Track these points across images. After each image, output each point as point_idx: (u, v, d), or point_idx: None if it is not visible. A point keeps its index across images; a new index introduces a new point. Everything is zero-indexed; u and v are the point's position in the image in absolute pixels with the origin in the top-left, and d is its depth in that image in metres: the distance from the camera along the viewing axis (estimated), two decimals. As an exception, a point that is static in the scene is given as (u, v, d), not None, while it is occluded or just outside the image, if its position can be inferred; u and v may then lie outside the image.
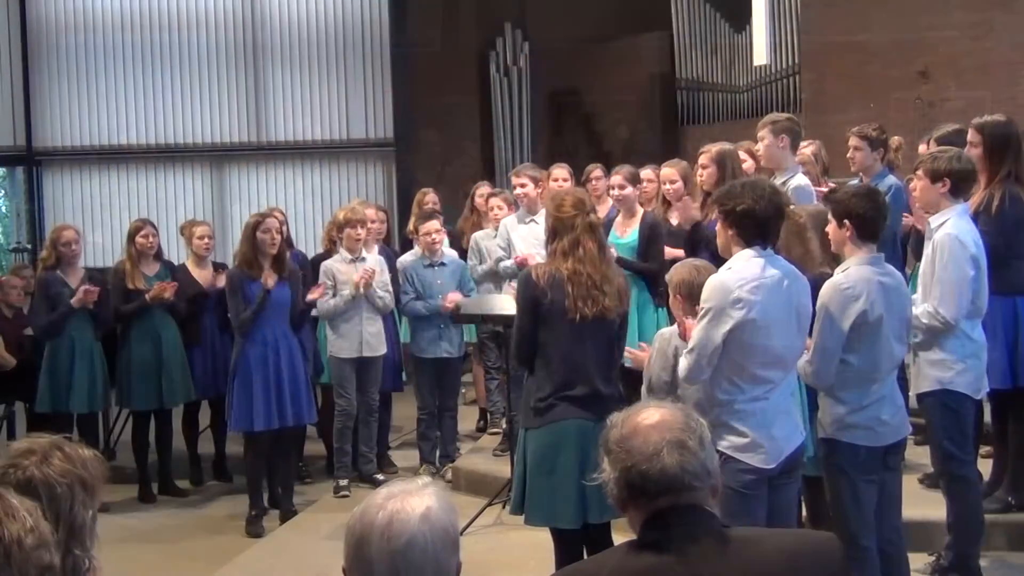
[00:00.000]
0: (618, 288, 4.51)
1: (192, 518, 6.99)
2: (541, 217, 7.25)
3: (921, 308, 4.66)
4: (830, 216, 4.39)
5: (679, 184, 6.43)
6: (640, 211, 6.55)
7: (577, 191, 4.87)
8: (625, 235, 6.43)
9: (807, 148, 7.04)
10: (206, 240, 7.59)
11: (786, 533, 2.71)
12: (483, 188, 8.29)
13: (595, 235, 4.53)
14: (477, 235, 7.72)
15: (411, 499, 1.91)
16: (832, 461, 4.24)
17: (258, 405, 6.43)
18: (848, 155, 6.48)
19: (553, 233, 4.54)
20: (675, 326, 4.46)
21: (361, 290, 6.92)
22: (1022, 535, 5.38)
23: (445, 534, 1.91)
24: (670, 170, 6.52)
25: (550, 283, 4.42)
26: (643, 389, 4.56)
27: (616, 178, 6.62)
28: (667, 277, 4.56)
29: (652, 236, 6.32)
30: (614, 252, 6.22)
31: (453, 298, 7.11)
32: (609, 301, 4.44)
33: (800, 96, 12.14)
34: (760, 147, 6.04)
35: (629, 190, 6.55)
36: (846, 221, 4.24)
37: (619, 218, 6.60)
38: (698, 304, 4.00)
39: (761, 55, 9.77)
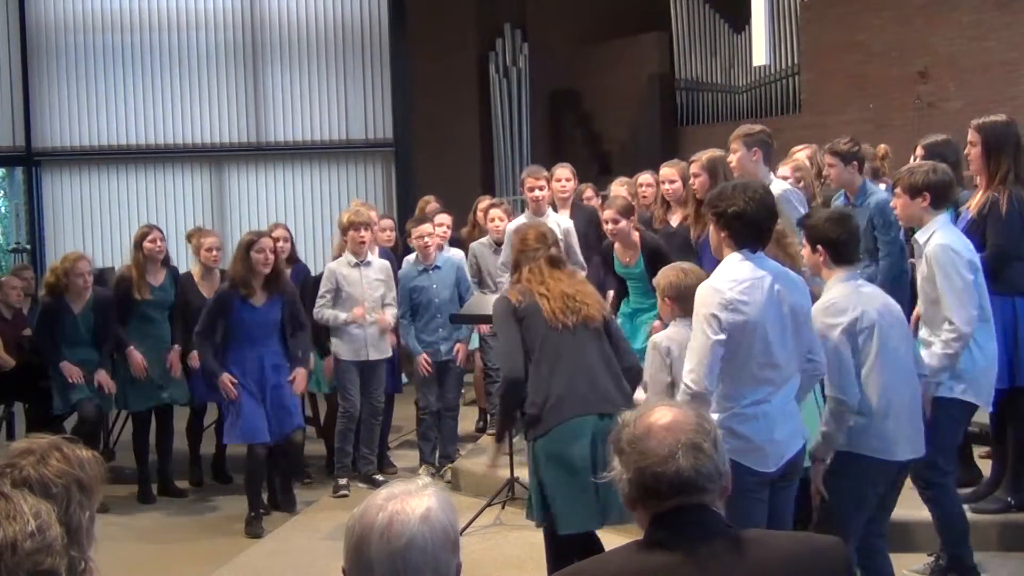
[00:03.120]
0: (595, 296, 4.70)
1: (192, 518, 6.98)
2: (545, 218, 7.26)
3: (935, 341, 4.57)
4: (804, 240, 4.38)
5: (678, 184, 6.42)
6: (636, 238, 6.45)
7: (541, 226, 4.99)
8: (631, 264, 6.43)
9: (801, 152, 7.01)
10: (215, 252, 7.41)
11: (792, 536, 2.72)
12: (483, 202, 8.32)
13: (558, 265, 4.72)
14: (473, 245, 7.78)
15: (411, 500, 1.91)
16: (844, 473, 4.18)
17: (245, 423, 6.44)
18: (824, 172, 6.43)
19: (516, 265, 4.75)
20: (667, 330, 4.50)
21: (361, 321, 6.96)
22: (1022, 535, 5.37)
23: (445, 534, 1.90)
24: (670, 170, 6.51)
25: (526, 298, 4.58)
26: (639, 389, 4.56)
27: (608, 212, 6.47)
28: (655, 281, 4.58)
29: (656, 256, 6.19)
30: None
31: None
32: (591, 309, 4.57)
33: (799, 96, 12.15)
34: (732, 159, 5.99)
35: (623, 223, 6.41)
36: (819, 247, 4.25)
37: (618, 247, 6.55)
38: (687, 306, 3.99)
39: (760, 55, 9.77)
